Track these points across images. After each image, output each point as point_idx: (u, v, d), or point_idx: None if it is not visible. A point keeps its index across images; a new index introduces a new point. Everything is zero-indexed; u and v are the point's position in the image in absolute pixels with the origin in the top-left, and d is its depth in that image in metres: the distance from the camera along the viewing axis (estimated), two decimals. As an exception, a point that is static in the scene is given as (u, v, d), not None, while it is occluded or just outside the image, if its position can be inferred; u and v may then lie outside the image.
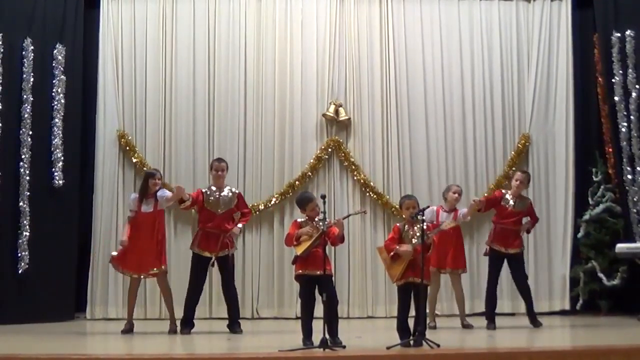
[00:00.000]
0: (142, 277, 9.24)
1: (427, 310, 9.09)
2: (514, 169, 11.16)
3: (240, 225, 9.32)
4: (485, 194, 10.90)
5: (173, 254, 10.64)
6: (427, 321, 9.00)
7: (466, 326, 9.32)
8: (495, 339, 8.40)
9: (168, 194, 9.21)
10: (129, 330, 9.06)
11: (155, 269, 9.08)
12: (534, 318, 9.24)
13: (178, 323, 9.10)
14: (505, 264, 9.34)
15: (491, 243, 9.31)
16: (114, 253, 9.21)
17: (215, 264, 9.13)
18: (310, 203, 7.83)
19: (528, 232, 9.70)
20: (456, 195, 9.48)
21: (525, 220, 9.40)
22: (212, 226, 9.08)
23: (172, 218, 10.98)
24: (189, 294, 9.15)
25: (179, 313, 9.18)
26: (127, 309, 9.29)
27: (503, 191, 9.53)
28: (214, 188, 9.26)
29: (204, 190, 9.27)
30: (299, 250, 7.64)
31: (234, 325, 9.08)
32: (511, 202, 9.29)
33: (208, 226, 9.10)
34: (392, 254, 7.59)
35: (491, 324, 9.13)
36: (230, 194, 9.29)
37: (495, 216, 9.42)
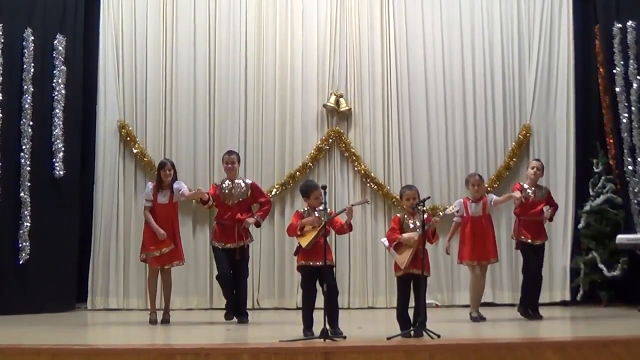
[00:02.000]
0: (161, 268, 9.16)
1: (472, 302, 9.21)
2: (514, 159, 11.17)
3: (256, 217, 9.21)
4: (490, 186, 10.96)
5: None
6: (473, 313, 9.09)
7: (480, 318, 9.14)
8: (495, 330, 8.41)
9: (185, 188, 9.16)
10: (155, 320, 9.07)
11: (178, 262, 9.19)
12: (537, 310, 9.22)
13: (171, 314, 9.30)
14: None
15: (519, 236, 9.23)
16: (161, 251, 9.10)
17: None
18: (315, 191, 7.81)
19: (551, 220, 9.59)
20: (475, 187, 9.25)
21: (545, 208, 9.38)
22: (227, 218, 9.09)
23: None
24: (221, 283, 9.21)
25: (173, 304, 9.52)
26: (150, 300, 9.33)
27: (520, 183, 9.42)
28: (227, 181, 9.25)
29: (218, 184, 9.31)
30: (304, 242, 7.63)
31: (241, 315, 9.10)
32: (531, 193, 9.25)
33: (223, 219, 9.11)
34: (395, 242, 7.60)
35: (537, 314, 9.09)
36: (243, 184, 9.26)
37: (518, 208, 9.26)
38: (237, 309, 9.12)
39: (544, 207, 9.32)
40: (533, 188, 9.28)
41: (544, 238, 9.31)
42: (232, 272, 9.12)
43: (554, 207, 9.50)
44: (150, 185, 9.34)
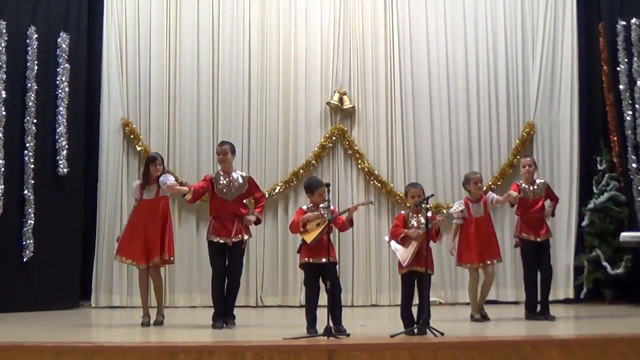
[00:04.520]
0: (149, 266, 8.79)
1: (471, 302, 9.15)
2: (518, 157, 11.16)
3: (256, 213, 8.71)
4: (491, 185, 10.96)
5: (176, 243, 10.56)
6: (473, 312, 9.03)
7: (484, 316, 9.10)
8: (499, 328, 8.41)
9: (170, 180, 8.76)
10: (148, 322, 8.75)
11: (158, 258, 8.72)
12: (547, 309, 9.15)
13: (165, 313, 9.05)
14: None
15: (520, 234, 9.21)
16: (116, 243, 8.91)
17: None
18: (319, 188, 7.82)
19: (553, 215, 9.60)
20: (479, 184, 9.25)
21: (547, 204, 9.37)
22: (225, 213, 8.61)
23: (175, 206, 10.95)
24: (213, 285, 8.73)
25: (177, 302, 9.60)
26: (142, 302, 9.00)
27: (518, 183, 9.42)
28: (222, 173, 8.75)
29: (213, 177, 8.78)
30: (308, 238, 7.62)
31: (229, 316, 8.66)
32: (529, 191, 9.24)
33: (221, 214, 8.63)
34: (400, 236, 7.58)
35: (532, 314, 9.04)
36: (240, 179, 8.70)
37: (519, 208, 9.26)
38: (226, 309, 8.68)
39: (544, 203, 9.31)
40: (530, 186, 9.26)
41: (547, 234, 9.26)
42: (228, 268, 8.71)
43: (555, 200, 9.47)
44: (136, 183, 9.10)
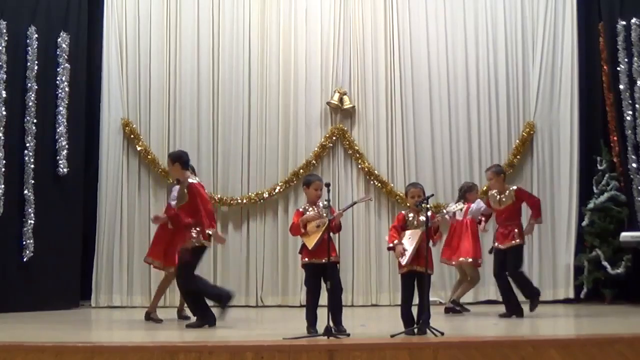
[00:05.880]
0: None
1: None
2: (518, 157, 11.17)
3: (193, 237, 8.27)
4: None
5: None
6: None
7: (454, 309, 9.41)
8: (499, 328, 8.41)
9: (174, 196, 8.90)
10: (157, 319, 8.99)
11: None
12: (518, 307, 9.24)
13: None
14: None
15: (494, 242, 9.36)
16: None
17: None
18: (316, 182, 7.85)
19: (539, 223, 9.60)
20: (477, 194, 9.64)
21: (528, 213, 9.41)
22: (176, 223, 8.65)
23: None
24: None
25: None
26: (156, 300, 9.15)
27: (489, 193, 9.61)
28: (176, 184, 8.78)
29: None
30: (309, 243, 7.61)
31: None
32: (498, 199, 9.28)
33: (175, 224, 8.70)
34: (389, 246, 7.62)
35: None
36: (181, 187, 8.43)
37: (497, 218, 9.51)
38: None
39: (520, 207, 9.33)
40: (500, 195, 9.30)
41: (511, 242, 9.12)
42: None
43: (533, 205, 9.33)
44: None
